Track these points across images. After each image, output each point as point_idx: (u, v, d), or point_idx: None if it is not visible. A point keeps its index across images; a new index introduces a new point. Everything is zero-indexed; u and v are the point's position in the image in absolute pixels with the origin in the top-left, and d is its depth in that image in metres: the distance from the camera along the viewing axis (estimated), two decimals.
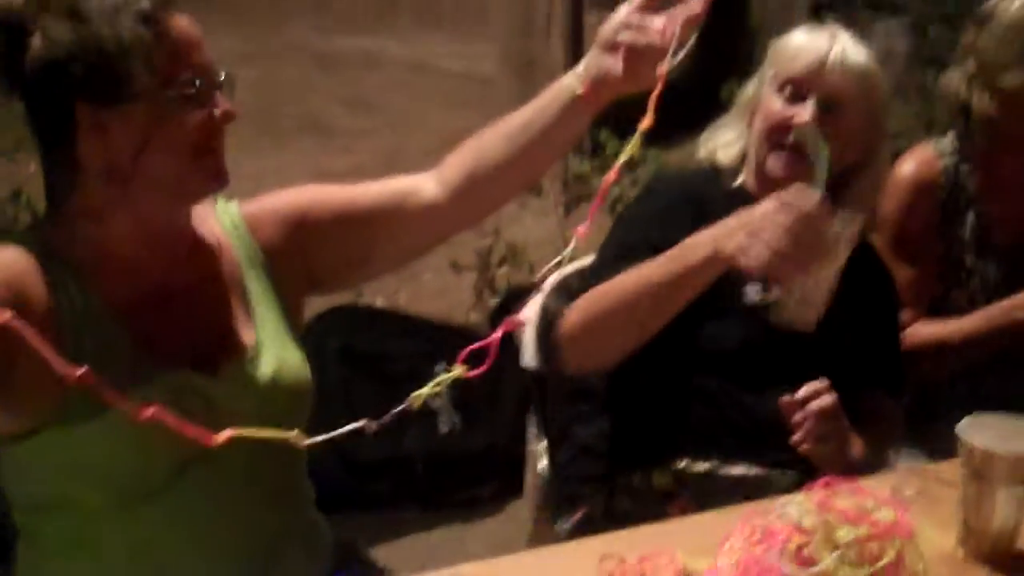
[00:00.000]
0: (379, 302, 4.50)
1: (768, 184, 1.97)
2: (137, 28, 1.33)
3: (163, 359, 1.41)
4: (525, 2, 5.76)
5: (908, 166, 2.27)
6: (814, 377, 1.77)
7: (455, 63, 9.31)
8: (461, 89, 8.50)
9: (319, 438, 1.25)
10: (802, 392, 1.73)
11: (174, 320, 1.45)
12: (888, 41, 10.06)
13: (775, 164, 1.94)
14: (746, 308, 1.90)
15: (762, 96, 1.98)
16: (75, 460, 1.36)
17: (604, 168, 4.28)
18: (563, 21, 5.68)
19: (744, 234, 1.64)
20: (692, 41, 1.44)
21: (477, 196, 1.62)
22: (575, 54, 5.66)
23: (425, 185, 1.61)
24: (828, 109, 1.91)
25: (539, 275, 1.34)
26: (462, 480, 3.34)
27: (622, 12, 1.50)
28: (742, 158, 2.04)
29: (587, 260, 2.07)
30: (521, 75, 5.70)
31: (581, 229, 1.30)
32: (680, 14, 1.44)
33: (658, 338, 1.87)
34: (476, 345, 1.20)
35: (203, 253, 1.52)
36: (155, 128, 1.35)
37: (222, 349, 1.48)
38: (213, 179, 1.42)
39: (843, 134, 1.91)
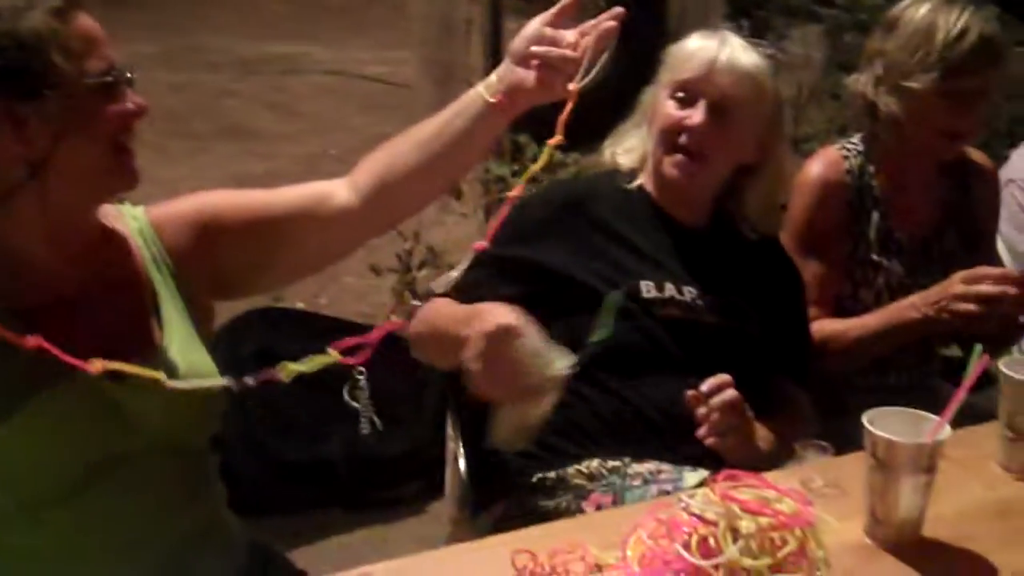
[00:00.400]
0: (300, 305, 4.47)
1: (664, 186, 2.02)
2: (51, 22, 1.32)
3: (65, 363, 1.37)
4: (444, 9, 5.76)
5: (816, 167, 2.32)
6: (721, 369, 1.81)
7: (376, 68, 9.28)
8: (382, 94, 8.47)
9: (182, 383, 1.35)
10: (705, 386, 1.76)
11: (79, 319, 1.43)
12: (804, 47, 10.24)
13: (670, 166, 1.99)
14: (644, 302, 1.94)
15: (657, 100, 2.02)
16: None
17: (524, 171, 4.29)
18: (482, 28, 5.69)
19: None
20: (605, 57, 1.46)
21: (389, 202, 1.62)
22: (494, 61, 5.64)
23: (338, 191, 1.61)
24: (719, 112, 1.96)
25: (434, 283, 1.38)
26: (384, 481, 3.33)
27: (534, 24, 1.53)
28: (642, 161, 2.08)
29: None
30: (440, 81, 5.69)
31: (480, 244, 1.33)
32: (593, 29, 1.48)
33: (558, 339, 1.90)
34: (356, 340, 1.23)
35: (111, 252, 1.51)
36: (72, 119, 1.34)
37: (129, 348, 1.45)
38: (127, 176, 1.42)
39: (734, 136, 1.98)
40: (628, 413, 1.90)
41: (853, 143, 2.36)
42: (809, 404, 2.08)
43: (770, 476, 1.57)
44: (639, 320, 1.93)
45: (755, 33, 10.33)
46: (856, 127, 2.40)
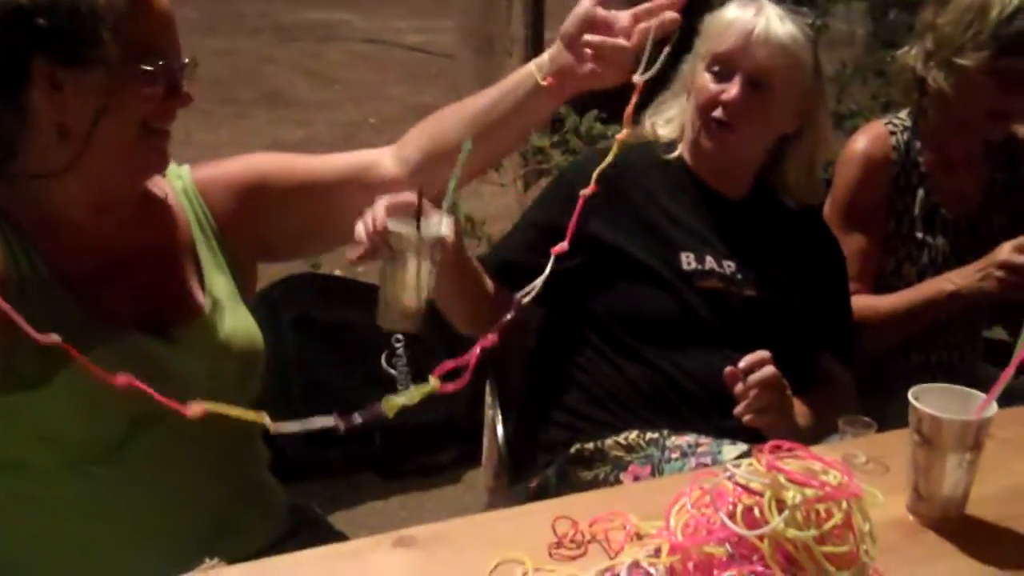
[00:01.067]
0: (337, 271, 4.49)
1: (702, 157, 2.02)
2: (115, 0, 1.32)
3: (113, 323, 1.40)
4: None
5: (860, 142, 2.30)
6: (760, 342, 1.80)
7: (415, 37, 9.27)
8: (421, 63, 8.49)
9: (288, 426, 1.23)
10: (744, 362, 1.76)
11: (124, 284, 1.44)
12: (848, 24, 10.14)
13: (706, 139, 1.99)
14: (684, 273, 1.93)
15: (695, 72, 2.01)
16: (24, 423, 1.35)
17: (563, 142, 4.28)
18: None
19: None
20: (667, 51, 1.44)
21: (435, 175, 1.60)
22: (535, 31, 5.65)
23: (384, 160, 1.61)
24: (755, 84, 1.94)
25: (519, 294, 1.35)
26: (420, 448, 3.35)
27: (585, 4, 1.50)
28: (681, 132, 2.07)
29: None
30: (480, 51, 5.67)
31: (559, 248, 1.36)
32: (647, 15, 1.45)
33: (599, 309, 1.92)
34: (452, 363, 1.20)
35: (154, 216, 1.52)
36: (110, 97, 1.34)
37: (174, 312, 1.47)
38: (156, 160, 1.42)
39: (771, 108, 1.96)
40: (666, 385, 1.89)
41: (900, 118, 2.34)
42: (851, 380, 2.07)
43: (816, 450, 1.57)
44: (679, 292, 1.92)
45: (798, 7, 10.23)
46: (904, 102, 2.37)
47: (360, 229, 1.42)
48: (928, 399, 1.37)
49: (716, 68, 1.96)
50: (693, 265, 1.95)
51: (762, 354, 1.77)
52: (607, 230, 1.95)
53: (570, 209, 1.42)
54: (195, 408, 1.18)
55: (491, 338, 1.27)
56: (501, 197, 4.72)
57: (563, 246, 1.40)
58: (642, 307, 1.92)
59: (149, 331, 1.44)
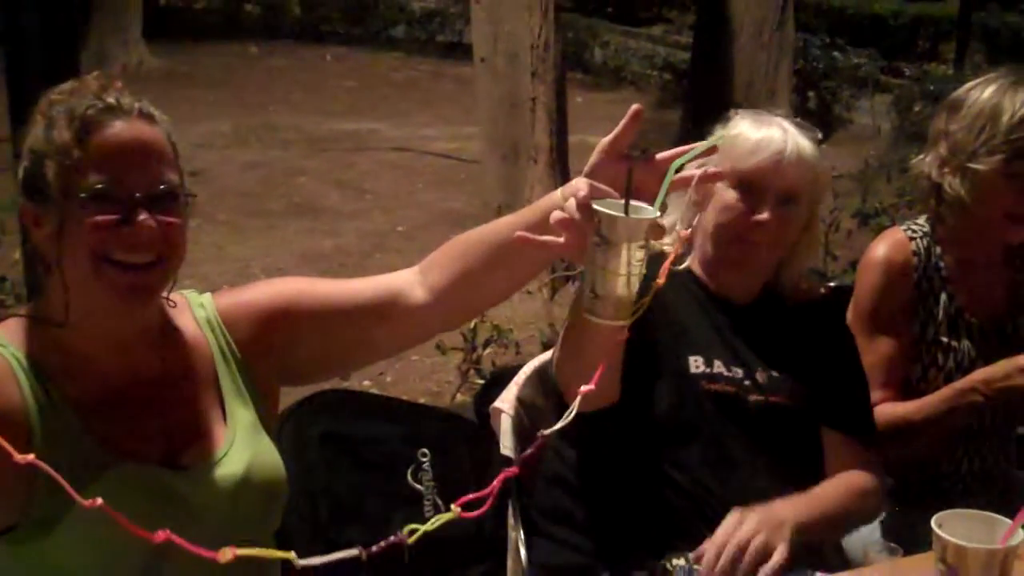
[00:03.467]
0: (366, 383, 4.50)
1: (723, 274, 2.03)
2: (64, 133, 1.36)
3: (128, 455, 1.41)
4: (510, 86, 5.84)
5: (881, 248, 2.29)
6: (767, 444, 1.83)
7: (444, 145, 9.41)
8: (449, 170, 8.60)
9: (315, 560, 1.22)
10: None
11: (140, 416, 1.45)
12: (872, 119, 10.21)
13: (738, 257, 2.00)
14: (692, 377, 1.93)
15: (715, 189, 1.99)
16: (45, 560, 1.36)
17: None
18: (547, 105, 5.75)
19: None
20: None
21: (464, 302, 1.61)
22: (559, 139, 5.73)
23: (412, 290, 1.59)
24: (784, 203, 1.96)
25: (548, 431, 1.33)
26: (449, 564, 3.30)
27: (604, 146, 1.47)
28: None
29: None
30: (506, 157, 5.75)
31: (584, 389, 1.32)
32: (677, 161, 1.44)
33: (622, 416, 1.89)
34: (472, 496, 1.22)
35: (173, 349, 1.52)
36: (64, 229, 1.37)
37: (192, 446, 1.47)
38: (115, 293, 1.39)
39: (797, 223, 1.99)
40: (692, 509, 1.87)
41: (919, 224, 2.33)
42: (879, 464, 2.04)
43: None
44: (689, 395, 1.92)
45: (822, 104, 10.35)
46: (921, 208, 2.37)
47: (572, 205, 1.37)
48: (952, 525, 1.35)
49: (744, 187, 1.96)
50: (701, 368, 1.94)
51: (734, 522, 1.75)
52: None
53: None
54: (227, 554, 1.18)
55: (513, 469, 1.27)
56: (528, 304, 4.74)
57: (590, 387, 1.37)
58: (647, 414, 1.91)
59: (168, 464, 1.44)
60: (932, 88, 9.66)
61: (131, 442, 1.42)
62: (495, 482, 1.24)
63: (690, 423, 1.92)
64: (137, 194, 1.37)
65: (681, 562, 1.77)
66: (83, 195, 1.35)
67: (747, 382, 1.96)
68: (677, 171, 1.44)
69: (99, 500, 1.17)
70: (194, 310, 1.58)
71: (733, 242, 1.98)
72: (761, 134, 1.98)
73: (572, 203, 1.37)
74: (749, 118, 2.02)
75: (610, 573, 1.86)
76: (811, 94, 10.12)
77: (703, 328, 2.01)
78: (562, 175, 5.57)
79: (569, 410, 1.33)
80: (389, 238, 6.90)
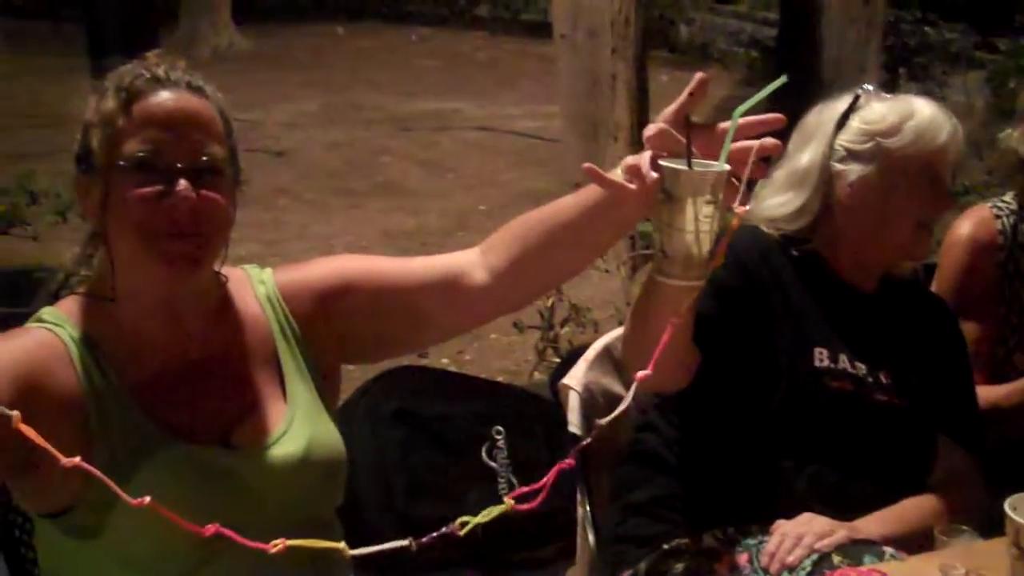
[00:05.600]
0: (444, 361, 4.52)
1: (866, 262, 1.98)
2: (110, 102, 1.38)
3: (186, 435, 1.41)
4: (590, 63, 5.80)
5: (966, 226, 2.23)
6: (885, 446, 1.79)
7: (526, 123, 9.39)
8: (531, 149, 8.58)
9: (364, 550, 1.24)
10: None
11: (197, 395, 1.45)
12: (965, 95, 9.94)
13: (922, 250, 1.97)
14: (817, 371, 1.88)
15: (884, 178, 1.92)
16: (99, 541, 1.37)
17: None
18: (628, 83, 5.70)
19: None
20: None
21: (525, 284, 1.58)
22: (640, 115, 5.67)
23: (473, 271, 1.56)
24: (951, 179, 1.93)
25: (601, 420, 1.31)
26: (522, 543, 3.30)
27: (668, 115, 1.40)
28: (809, 224, 1.99)
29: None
30: (587, 136, 5.71)
31: (641, 375, 1.29)
32: (751, 129, 1.38)
33: (713, 401, 1.88)
34: (527, 488, 1.21)
35: (231, 326, 1.52)
36: (108, 201, 1.38)
37: (250, 425, 1.47)
38: (164, 264, 1.38)
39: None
40: (778, 489, 1.85)
41: (1006, 201, 2.27)
42: (980, 475, 1.97)
43: (912, 561, 1.50)
44: (807, 390, 1.87)
45: (914, 80, 10.10)
46: (1009, 184, 2.30)
47: (644, 157, 1.34)
48: None
49: (927, 170, 1.91)
50: (826, 363, 1.89)
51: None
52: (741, 324, 1.88)
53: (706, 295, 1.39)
54: (278, 546, 1.20)
55: (569, 461, 1.25)
56: (607, 283, 4.71)
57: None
58: (762, 402, 1.88)
59: (226, 444, 1.44)
60: None
61: (188, 422, 1.42)
62: (549, 475, 1.23)
63: (806, 420, 1.87)
64: (179, 164, 1.37)
65: (751, 541, 1.76)
66: (124, 163, 1.36)
67: (870, 379, 1.91)
68: (743, 119, 1.37)
69: (147, 499, 1.17)
70: (254, 286, 1.56)
71: (915, 230, 1.93)
72: (929, 114, 1.92)
73: (645, 155, 1.34)
74: (890, 101, 1.95)
75: (680, 540, 1.84)
76: (902, 70, 9.90)
77: (827, 318, 1.95)
78: None
79: (625, 399, 1.30)
80: (471, 217, 6.91)
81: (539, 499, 1.19)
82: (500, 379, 4.15)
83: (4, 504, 1.58)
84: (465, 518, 1.19)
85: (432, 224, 6.81)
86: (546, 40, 7.40)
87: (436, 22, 14.84)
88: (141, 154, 1.36)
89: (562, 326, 4.37)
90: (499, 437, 3.14)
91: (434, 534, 1.23)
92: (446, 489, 3.19)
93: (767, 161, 1.38)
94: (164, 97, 1.39)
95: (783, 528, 1.73)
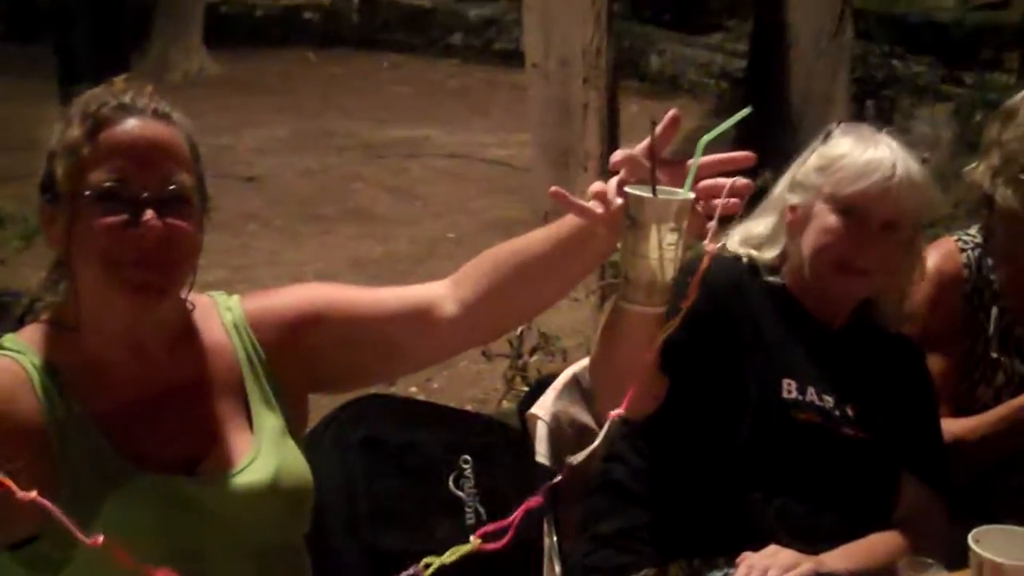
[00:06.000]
0: (412, 389, 4.50)
1: (824, 298, 1.97)
2: (76, 130, 1.37)
3: (150, 465, 1.39)
4: (562, 92, 5.83)
5: (931, 259, 2.24)
6: (851, 479, 1.81)
7: (497, 152, 9.41)
8: (502, 177, 8.58)
9: None
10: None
11: (162, 424, 1.43)
12: (932, 127, 10.05)
13: (843, 287, 1.94)
14: (784, 403, 1.90)
15: (814, 210, 1.93)
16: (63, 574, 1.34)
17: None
18: (599, 112, 5.73)
19: None
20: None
21: (496, 317, 1.59)
22: (611, 145, 5.70)
23: (444, 304, 1.55)
24: (891, 229, 1.90)
25: (572, 457, 1.31)
26: (489, 574, 3.28)
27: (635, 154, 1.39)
28: (780, 255, 2.01)
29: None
30: (558, 164, 5.74)
31: (613, 413, 1.28)
32: (721, 165, 1.37)
33: (679, 429, 1.88)
34: (493, 526, 1.21)
35: (196, 353, 1.50)
36: (73, 229, 1.37)
37: (215, 453, 1.45)
38: (127, 293, 1.38)
39: (901, 248, 1.93)
40: (744, 519, 1.85)
41: (971, 235, 2.29)
42: (944, 512, 1.99)
43: None
44: (776, 421, 1.88)
45: (882, 114, 10.20)
46: (974, 217, 2.32)
47: (611, 183, 1.35)
48: (991, 541, 1.31)
49: (847, 212, 1.90)
50: (794, 394, 1.90)
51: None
52: (711, 352, 1.88)
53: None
54: None
55: (536, 500, 1.26)
56: (576, 312, 4.70)
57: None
58: (729, 432, 1.88)
59: (189, 472, 1.42)
60: (994, 97, 9.49)
61: (153, 451, 1.41)
62: (516, 513, 1.23)
63: (773, 451, 1.88)
64: (145, 194, 1.36)
65: (718, 572, 1.76)
66: (89, 193, 1.35)
67: (837, 412, 1.92)
68: (713, 156, 1.38)
69: (100, 539, 1.13)
70: (221, 313, 1.55)
71: (833, 268, 1.91)
72: (868, 156, 1.89)
73: (612, 182, 1.35)
74: (853, 136, 1.94)
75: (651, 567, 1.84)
76: (869, 103, 10.00)
77: (797, 350, 1.95)
78: None
79: (597, 438, 1.31)
80: (440, 245, 6.91)
81: (507, 538, 1.17)
82: (469, 407, 4.14)
83: None
84: (430, 559, 1.17)
85: (402, 251, 6.80)
86: (518, 69, 7.42)
87: (407, 49, 14.86)
88: (107, 184, 1.35)
89: (531, 355, 4.36)
90: (466, 466, 3.12)
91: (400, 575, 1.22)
92: (412, 518, 3.16)
93: (740, 198, 1.38)
94: (130, 125, 1.38)
95: (749, 560, 1.73)
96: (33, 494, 1.14)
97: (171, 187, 1.38)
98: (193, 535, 1.39)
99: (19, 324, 1.46)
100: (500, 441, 3.47)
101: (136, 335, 1.44)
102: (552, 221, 1.51)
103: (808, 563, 1.71)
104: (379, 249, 6.80)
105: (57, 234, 1.39)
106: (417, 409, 3.51)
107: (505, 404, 4.32)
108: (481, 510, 3.20)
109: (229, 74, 12.53)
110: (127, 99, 1.40)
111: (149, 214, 1.35)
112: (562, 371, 2.25)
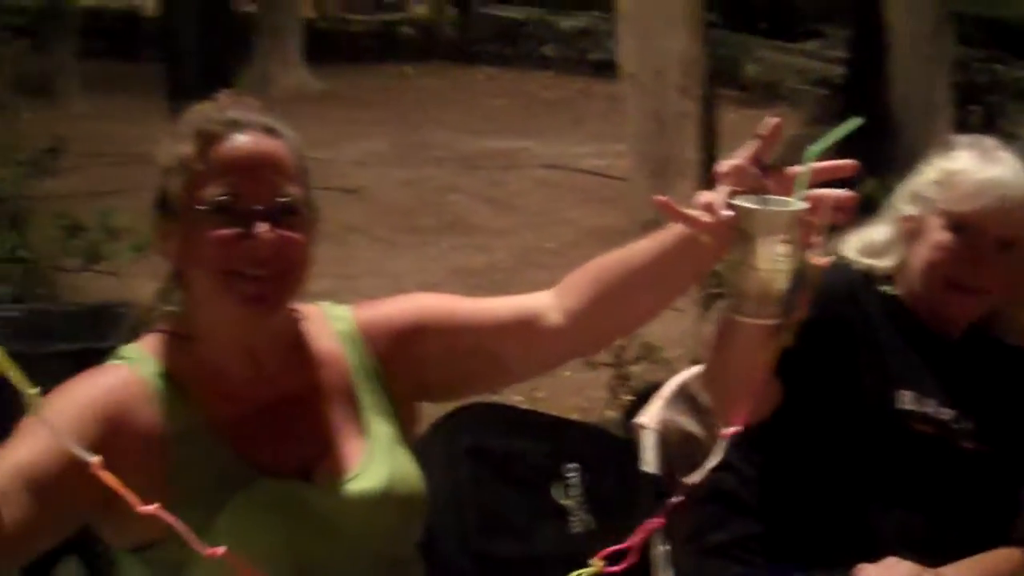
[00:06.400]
0: (517, 398, 4.53)
1: (938, 315, 1.93)
2: (187, 147, 1.41)
3: (269, 471, 1.43)
4: (658, 102, 5.81)
5: None
6: (969, 495, 1.78)
7: (593, 161, 9.42)
8: (598, 187, 8.60)
9: None
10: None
11: (276, 432, 1.46)
12: None
13: (954, 306, 1.91)
14: (901, 413, 1.88)
15: (928, 224, 1.91)
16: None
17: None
18: (697, 121, 5.71)
19: None
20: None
21: (601, 327, 1.59)
22: (709, 154, 5.67)
23: (549, 313, 1.55)
24: (1006, 247, 1.87)
25: (688, 477, 1.32)
26: None
27: (739, 162, 1.38)
28: (896, 266, 1.99)
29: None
30: (655, 174, 5.72)
31: (727, 432, 1.30)
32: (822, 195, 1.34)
33: (814, 444, 1.88)
34: (614, 548, 1.22)
35: (307, 362, 1.53)
36: (188, 243, 1.41)
37: (328, 461, 1.47)
38: (241, 304, 1.40)
39: (1015, 267, 1.89)
40: (861, 530, 1.84)
41: None
42: None
43: None
44: (891, 431, 1.87)
45: (987, 119, 9.95)
46: None
47: (719, 195, 1.33)
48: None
49: (961, 230, 1.87)
50: (910, 405, 1.88)
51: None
52: (827, 361, 1.87)
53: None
54: None
55: (659, 520, 1.26)
56: (678, 321, 4.69)
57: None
58: (844, 441, 1.88)
59: (303, 478, 1.45)
60: None
61: (269, 457, 1.44)
62: (638, 536, 1.24)
63: (889, 462, 1.87)
64: (257, 207, 1.39)
65: None
66: (203, 207, 1.39)
67: (956, 426, 1.89)
68: (817, 164, 1.36)
69: (221, 549, 1.17)
70: (332, 323, 1.58)
71: (943, 285, 1.89)
72: (986, 175, 1.86)
73: (720, 192, 1.34)
74: (972, 151, 1.91)
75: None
76: (974, 109, 9.78)
77: (913, 361, 1.93)
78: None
79: (712, 455, 1.32)
80: (538, 255, 6.94)
81: (628, 560, 1.19)
82: (573, 416, 4.16)
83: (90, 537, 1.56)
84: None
85: (500, 261, 6.85)
86: (611, 79, 7.42)
87: (502, 62, 14.95)
88: (220, 198, 1.39)
89: (634, 364, 4.36)
90: (572, 474, 3.14)
91: None
92: (519, 526, 3.19)
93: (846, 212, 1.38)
94: (240, 140, 1.41)
95: (867, 572, 1.72)
96: (154, 507, 1.18)
97: (281, 199, 1.41)
98: (310, 542, 1.41)
99: (132, 335, 1.51)
100: (605, 449, 3.49)
101: (250, 344, 1.47)
102: (650, 231, 1.51)
103: None
104: (478, 259, 6.86)
105: (173, 248, 1.44)
106: (522, 417, 3.54)
107: (608, 413, 4.32)
108: (587, 518, 3.22)
109: (328, 89, 12.74)
110: (236, 115, 1.43)
111: (262, 226, 1.38)
112: (665, 380, 2.25)
